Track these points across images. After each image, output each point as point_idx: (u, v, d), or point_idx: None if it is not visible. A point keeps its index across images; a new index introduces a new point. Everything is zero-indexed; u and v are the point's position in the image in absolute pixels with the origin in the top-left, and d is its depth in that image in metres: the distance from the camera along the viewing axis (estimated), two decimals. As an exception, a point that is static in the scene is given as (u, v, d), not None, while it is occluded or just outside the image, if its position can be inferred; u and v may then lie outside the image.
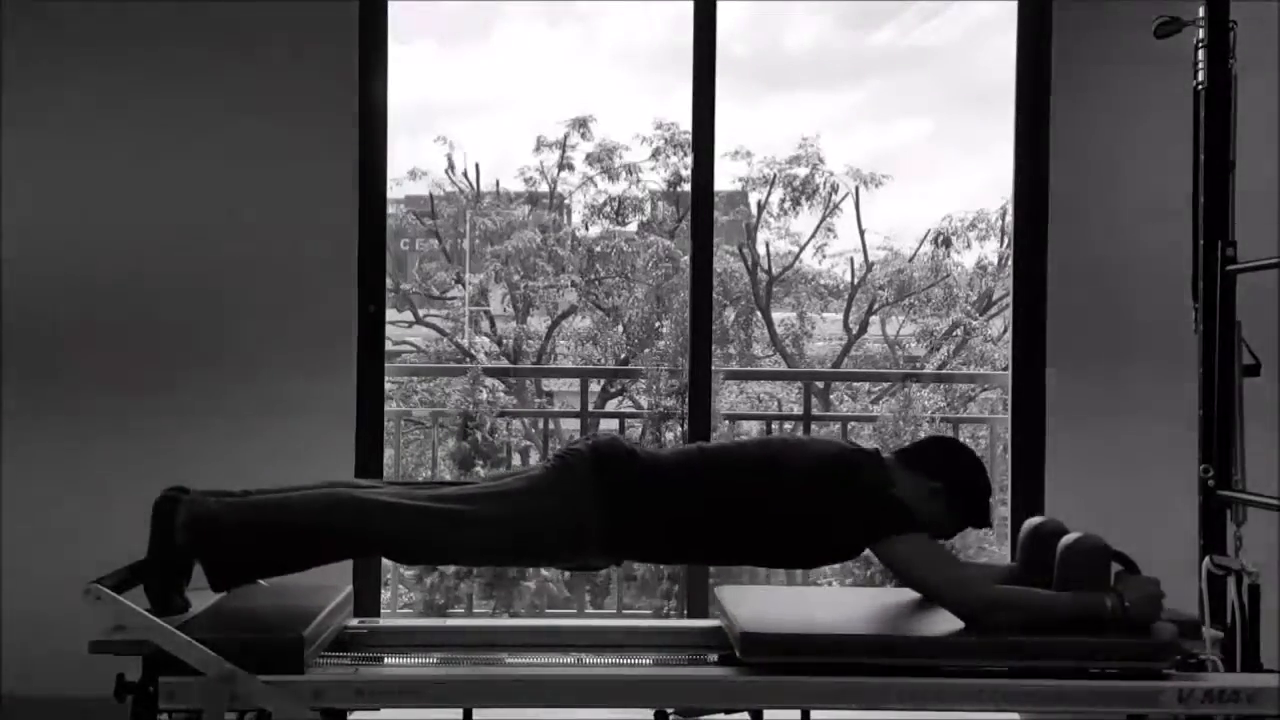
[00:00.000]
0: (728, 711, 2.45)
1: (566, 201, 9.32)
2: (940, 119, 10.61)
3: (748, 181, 9.04)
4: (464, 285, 9.35)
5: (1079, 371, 3.74)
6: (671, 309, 8.33)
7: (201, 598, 2.53)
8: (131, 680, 2.31)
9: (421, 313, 9.47)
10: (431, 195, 9.33)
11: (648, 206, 9.13)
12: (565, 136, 9.05)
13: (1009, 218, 6.59)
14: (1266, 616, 2.66)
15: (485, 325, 9.33)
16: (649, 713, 2.43)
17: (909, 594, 2.74)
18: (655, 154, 8.88)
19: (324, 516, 2.50)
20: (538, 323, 9.18)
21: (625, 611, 5.72)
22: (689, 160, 5.58)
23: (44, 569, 3.43)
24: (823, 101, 11.20)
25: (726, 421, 6.74)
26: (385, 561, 4.53)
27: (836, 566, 6.41)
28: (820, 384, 8.49)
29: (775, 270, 9.13)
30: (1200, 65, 2.88)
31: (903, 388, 6.95)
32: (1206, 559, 2.75)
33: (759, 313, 8.97)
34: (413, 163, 9.13)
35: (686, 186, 7.94)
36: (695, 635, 2.73)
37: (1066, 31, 3.73)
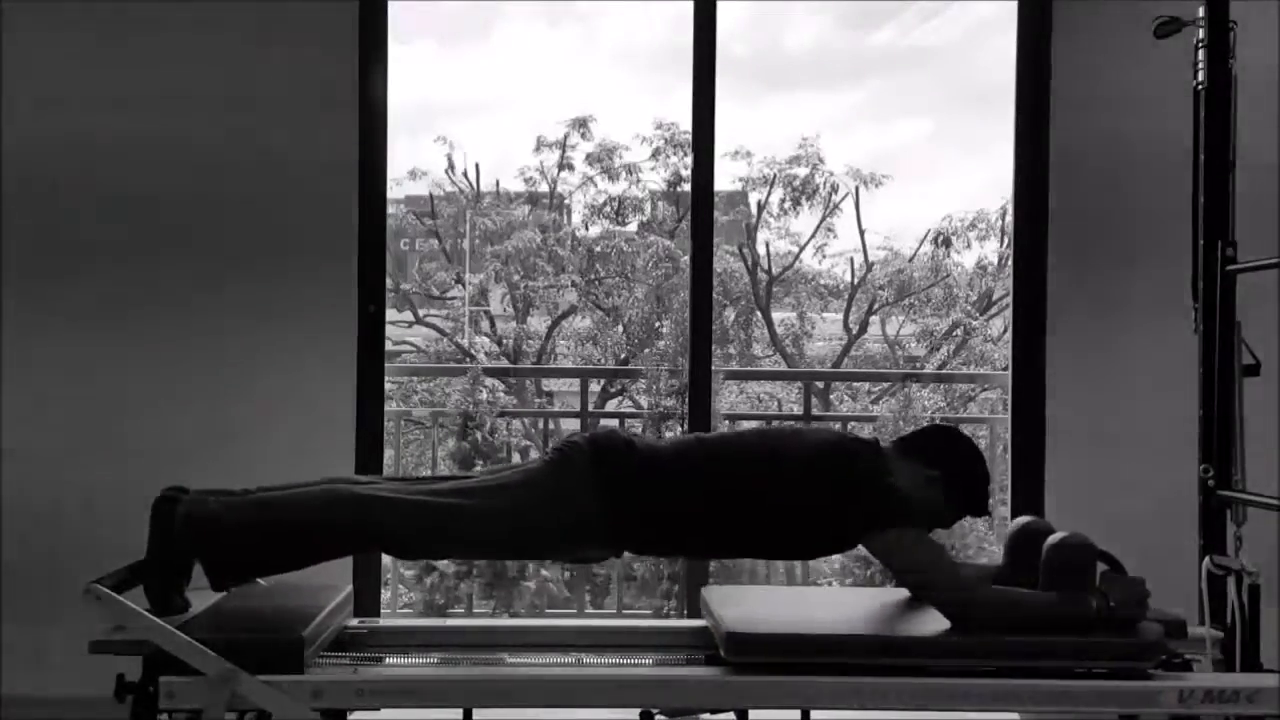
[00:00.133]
0: (713, 711, 2.46)
1: (566, 201, 9.32)
2: (940, 119, 10.62)
3: (748, 181, 9.04)
4: (464, 285, 9.35)
5: (1079, 372, 3.74)
6: (671, 309, 8.33)
7: (201, 598, 2.53)
8: (131, 680, 2.31)
9: (421, 313, 9.47)
10: (431, 195, 9.34)
11: (648, 206, 9.13)
12: (565, 136, 9.06)
13: (1009, 218, 6.59)
14: (1266, 616, 2.67)
15: (485, 325, 9.34)
16: (634, 713, 2.43)
17: (898, 594, 2.75)
18: (655, 154, 8.89)
19: (323, 513, 2.50)
20: (538, 323, 9.18)
21: (625, 611, 5.72)
22: (689, 160, 5.58)
23: (44, 568, 3.43)
24: (823, 101, 11.21)
25: (726, 421, 6.73)
26: (385, 561, 4.54)
27: (836, 566, 6.41)
28: (820, 384, 8.49)
29: (775, 270, 9.14)
30: (1200, 65, 2.88)
31: (903, 388, 6.95)
32: (1206, 559, 2.75)
33: (759, 313, 8.97)
34: (413, 163, 9.15)
35: (686, 186, 7.94)
36: (686, 635, 2.73)
37: (1066, 31, 3.73)
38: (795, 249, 9.19)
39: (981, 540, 5.80)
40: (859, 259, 9.22)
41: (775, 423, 7.33)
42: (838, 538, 2.62)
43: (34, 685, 3.43)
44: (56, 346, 3.64)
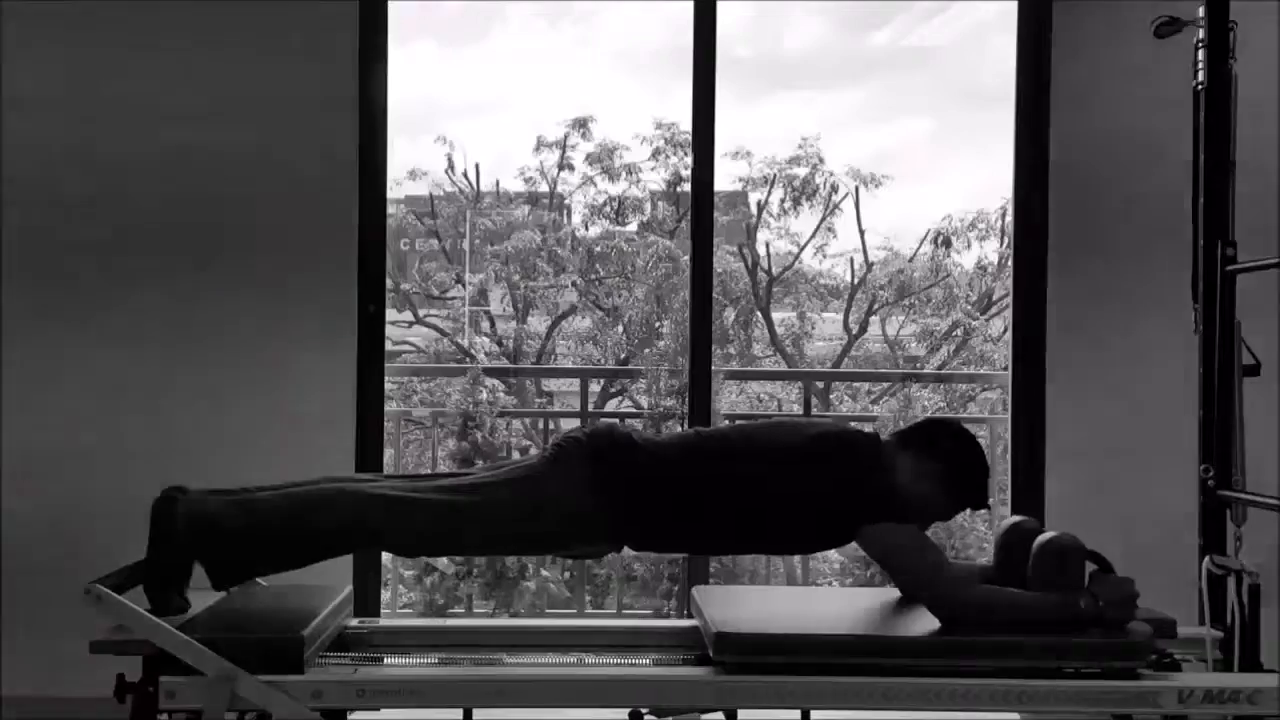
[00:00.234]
0: (702, 711, 2.46)
1: (566, 201, 9.32)
2: (940, 119, 10.61)
3: (748, 181, 9.03)
4: (464, 285, 9.35)
5: (1079, 370, 3.74)
6: (671, 309, 8.32)
7: (201, 598, 2.53)
8: (131, 680, 2.32)
9: (421, 313, 9.47)
10: (431, 195, 9.33)
11: (648, 206, 9.13)
12: (565, 136, 9.05)
13: (1009, 218, 6.59)
14: (1266, 616, 2.67)
15: (485, 325, 9.33)
16: (623, 712, 2.43)
17: (889, 594, 2.75)
18: (655, 154, 8.88)
19: (322, 511, 2.50)
20: (538, 323, 9.18)
21: (625, 612, 5.72)
22: (689, 160, 5.58)
23: (44, 568, 3.43)
24: (823, 101, 11.20)
25: (726, 422, 6.73)
26: (385, 561, 4.54)
27: (836, 567, 6.42)
28: (820, 384, 8.48)
29: (775, 270, 9.13)
30: (1200, 65, 2.88)
31: (903, 388, 6.95)
32: (1206, 559, 2.75)
33: (759, 313, 8.97)
34: (413, 163, 9.14)
35: (686, 186, 7.93)
36: (678, 635, 2.73)
37: (1066, 31, 3.73)
38: (795, 249, 9.19)
39: (982, 540, 5.80)
40: (859, 259, 9.22)
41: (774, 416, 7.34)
42: (836, 530, 2.61)
43: (34, 685, 3.43)
44: (56, 346, 3.64)
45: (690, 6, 3.80)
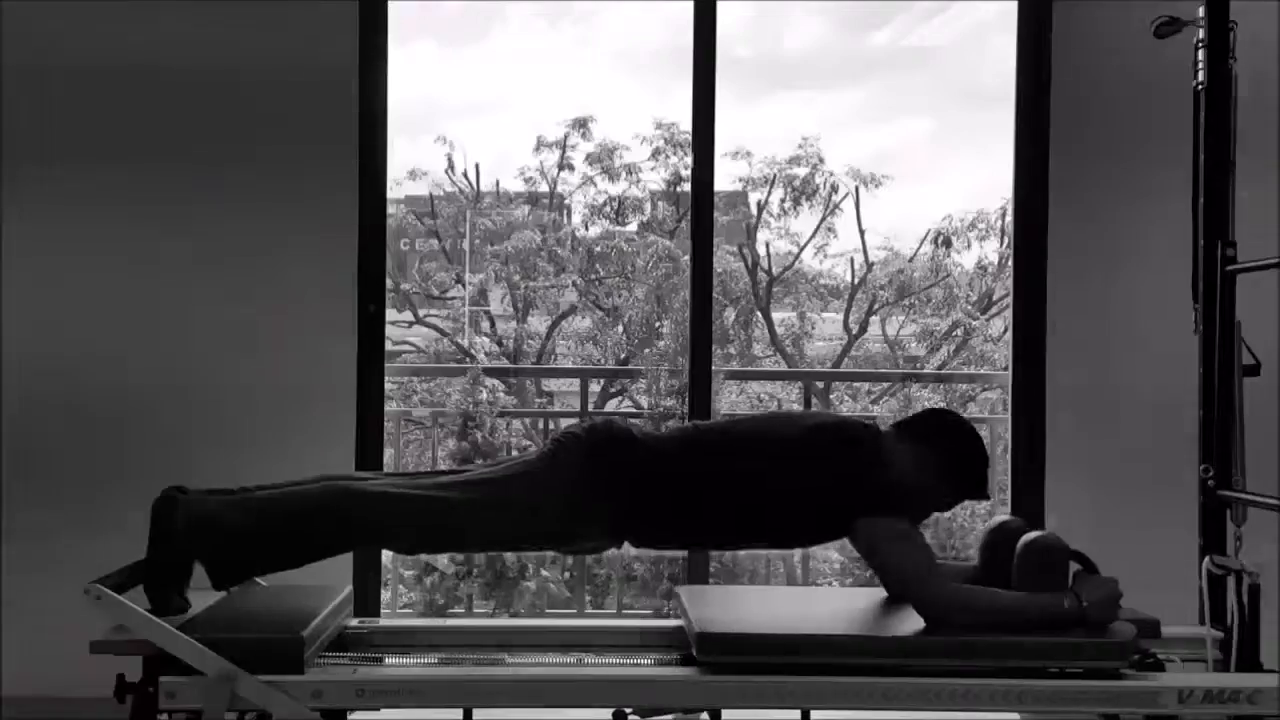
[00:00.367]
0: (687, 711, 2.46)
1: (566, 201, 9.31)
2: (940, 119, 10.59)
3: (748, 181, 9.02)
4: (464, 285, 9.35)
5: (1079, 371, 3.74)
6: (671, 309, 8.32)
7: (201, 598, 2.53)
8: (131, 680, 2.32)
9: (421, 313, 9.46)
10: (431, 195, 9.32)
11: (648, 206, 9.12)
12: (565, 136, 9.04)
13: (1009, 218, 6.59)
14: (1266, 616, 2.67)
15: (485, 325, 9.33)
16: (606, 713, 2.43)
17: (874, 594, 2.75)
18: (655, 154, 8.87)
19: (322, 510, 2.50)
20: (538, 323, 9.17)
21: (625, 611, 5.72)
22: (689, 160, 5.58)
23: (44, 569, 3.43)
24: (823, 101, 11.18)
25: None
26: (385, 561, 4.54)
27: (836, 567, 6.42)
28: (820, 384, 8.47)
29: (775, 270, 9.12)
30: (1200, 65, 2.88)
31: (903, 388, 6.96)
32: (1206, 559, 2.75)
33: (759, 313, 8.96)
34: (413, 163, 9.12)
35: (686, 186, 7.93)
36: (665, 635, 2.73)
37: (1066, 31, 3.73)
38: (795, 249, 9.18)
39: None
40: (859, 259, 9.21)
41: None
42: (837, 523, 2.60)
43: (34, 685, 3.43)
44: (56, 345, 3.64)
45: (690, 6, 3.81)
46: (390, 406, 4.56)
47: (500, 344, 9.13)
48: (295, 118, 3.67)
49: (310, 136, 3.67)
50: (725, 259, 8.57)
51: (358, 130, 3.68)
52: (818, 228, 9.08)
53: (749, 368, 8.85)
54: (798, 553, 6.09)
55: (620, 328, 8.79)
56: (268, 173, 3.67)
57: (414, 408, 7.93)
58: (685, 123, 4.94)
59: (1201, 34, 2.88)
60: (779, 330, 9.03)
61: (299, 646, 2.33)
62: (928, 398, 7.57)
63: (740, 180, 9.01)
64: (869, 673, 2.37)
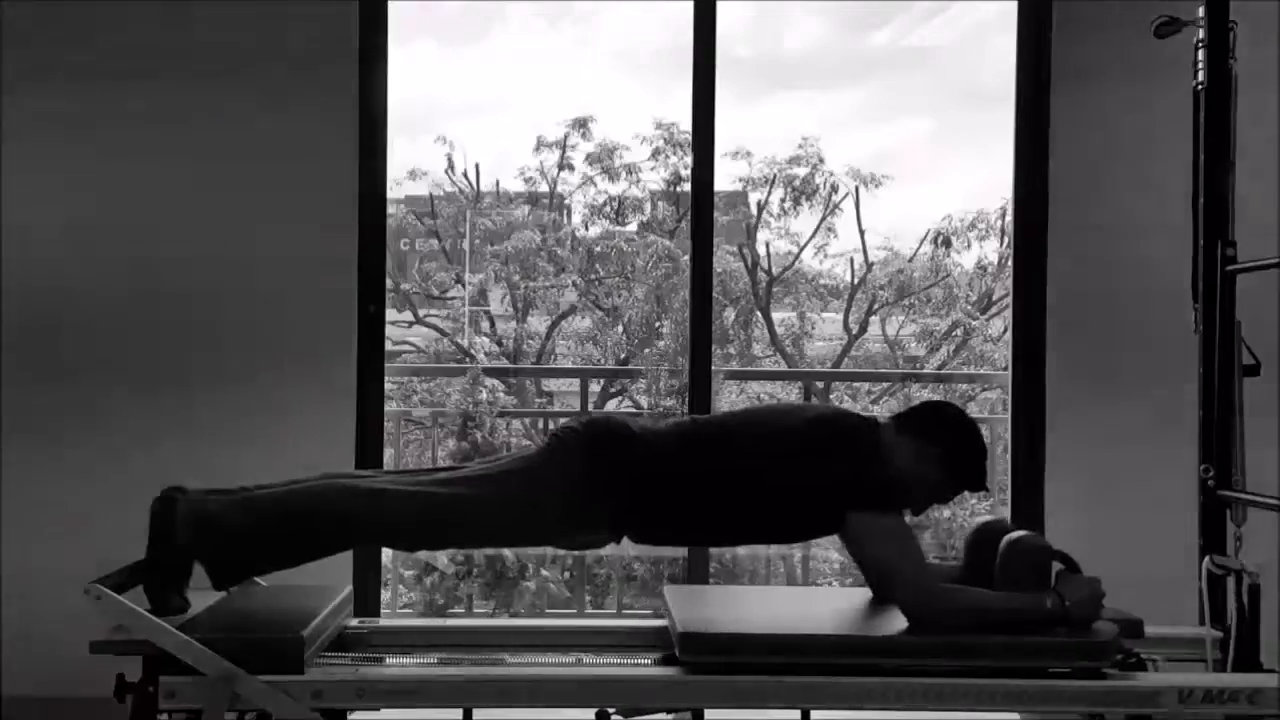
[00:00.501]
0: (670, 711, 2.45)
1: (566, 201, 9.30)
2: (940, 119, 10.58)
3: (748, 181, 9.02)
4: (464, 285, 9.34)
5: (1079, 371, 3.74)
6: (671, 309, 8.31)
7: (201, 598, 2.53)
8: (131, 680, 2.32)
9: (421, 313, 9.46)
10: (431, 195, 9.32)
11: (648, 206, 9.12)
12: (565, 136, 9.04)
13: (1009, 218, 6.59)
14: (1266, 616, 2.67)
15: (485, 325, 9.32)
16: (589, 713, 2.43)
17: (858, 595, 2.75)
18: (655, 154, 8.87)
19: (322, 508, 2.51)
20: (538, 323, 9.17)
21: (625, 611, 5.72)
22: (689, 160, 5.58)
23: (44, 569, 3.43)
24: (823, 101, 11.17)
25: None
26: (385, 561, 4.54)
27: (836, 567, 6.42)
28: (820, 384, 8.48)
29: (775, 270, 9.12)
30: (1200, 65, 2.88)
31: (903, 388, 6.95)
32: (1206, 559, 2.75)
33: (759, 313, 8.96)
34: (413, 163, 9.11)
35: (686, 186, 7.93)
36: (650, 635, 2.73)
37: (1066, 31, 3.73)
38: (795, 249, 9.17)
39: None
40: (859, 259, 9.21)
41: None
42: (835, 517, 2.58)
43: (34, 685, 3.43)
44: (56, 350, 3.64)
45: (690, 6, 3.81)
46: (390, 406, 4.56)
47: (500, 344, 9.13)
48: (295, 117, 3.67)
49: (310, 136, 3.67)
50: (725, 259, 8.56)
51: (358, 130, 3.68)
52: (818, 228, 9.07)
53: (749, 368, 8.85)
54: (798, 553, 6.09)
55: (620, 328, 8.78)
56: (267, 172, 3.67)
57: (414, 408, 7.93)
58: (685, 123, 4.94)
59: (1201, 34, 2.88)
60: (779, 330, 9.02)
61: (299, 646, 2.33)
62: (928, 398, 7.56)
63: (740, 180, 9.01)
64: (852, 672, 2.38)
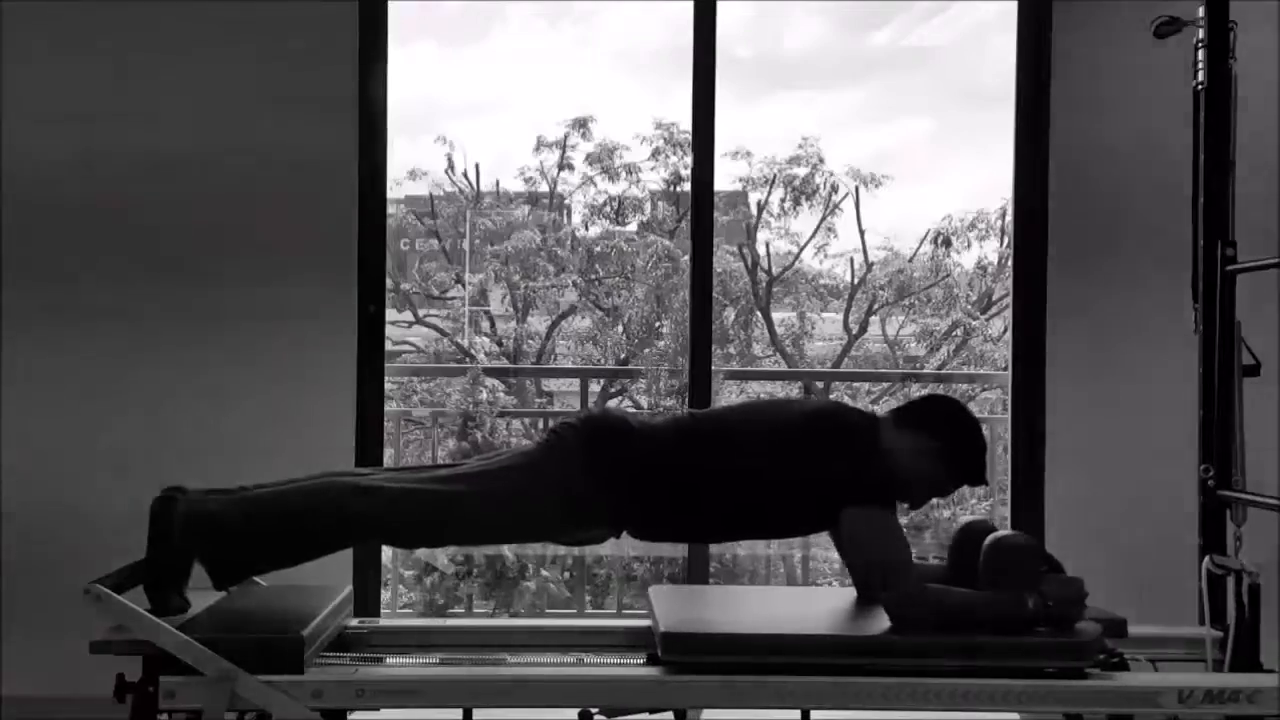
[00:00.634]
0: (652, 711, 2.45)
1: (566, 201, 9.30)
2: (940, 119, 10.58)
3: (748, 181, 9.02)
4: (464, 285, 9.34)
5: (1079, 372, 3.74)
6: (671, 309, 8.31)
7: (201, 598, 2.53)
8: (131, 680, 2.32)
9: (421, 313, 9.45)
10: (431, 195, 9.32)
11: (648, 206, 9.11)
12: (565, 136, 9.03)
13: (1009, 218, 6.59)
14: (1266, 616, 2.67)
15: (485, 325, 9.32)
16: (572, 712, 2.43)
17: (842, 594, 2.76)
18: (655, 154, 8.87)
19: (321, 506, 2.51)
20: (538, 323, 9.17)
21: (625, 611, 5.72)
22: (689, 160, 5.58)
23: (44, 568, 3.43)
24: (823, 101, 11.16)
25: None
26: (385, 561, 4.54)
27: (836, 567, 6.41)
28: (820, 384, 8.48)
29: (775, 270, 9.12)
30: (1200, 65, 2.88)
31: (903, 388, 6.95)
32: (1206, 559, 2.75)
33: (759, 313, 8.96)
34: (413, 163, 9.11)
35: (686, 186, 7.93)
36: (637, 635, 2.73)
37: (1066, 31, 3.73)
38: (795, 249, 9.17)
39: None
40: (859, 259, 9.20)
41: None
42: (834, 512, 2.57)
43: (34, 685, 3.43)
44: (56, 346, 3.64)
45: (690, 6, 3.81)
46: (390, 406, 4.57)
47: (500, 344, 9.13)
48: (295, 118, 3.67)
49: (310, 137, 3.67)
50: (725, 259, 8.56)
51: (358, 130, 3.68)
52: (818, 228, 9.07)
53: (749, 368, 8.85)
54: (797, 553, 6.09)
55: (620, 328, 8.78)
56: (267, 172, 3.67)
57: (414, 408, 7.93)
58: (685, 123, 4.95)
59: (1201, 34, 2.88)
60: (779, 330, 9.02)
61: (299, 646, 2.33)
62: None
63: (740, 180, 9.00)
64: (833, 672, 2.37)
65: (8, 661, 3.47)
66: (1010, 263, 4.34)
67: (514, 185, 9.43)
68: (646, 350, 8.36)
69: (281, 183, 3.68)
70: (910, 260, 9.09)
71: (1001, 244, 8.81)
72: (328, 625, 2.56)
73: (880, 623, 2.48)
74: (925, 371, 8.61)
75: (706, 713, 2.54)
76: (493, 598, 5.82)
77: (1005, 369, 4.48)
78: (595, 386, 8.52)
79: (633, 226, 9.06)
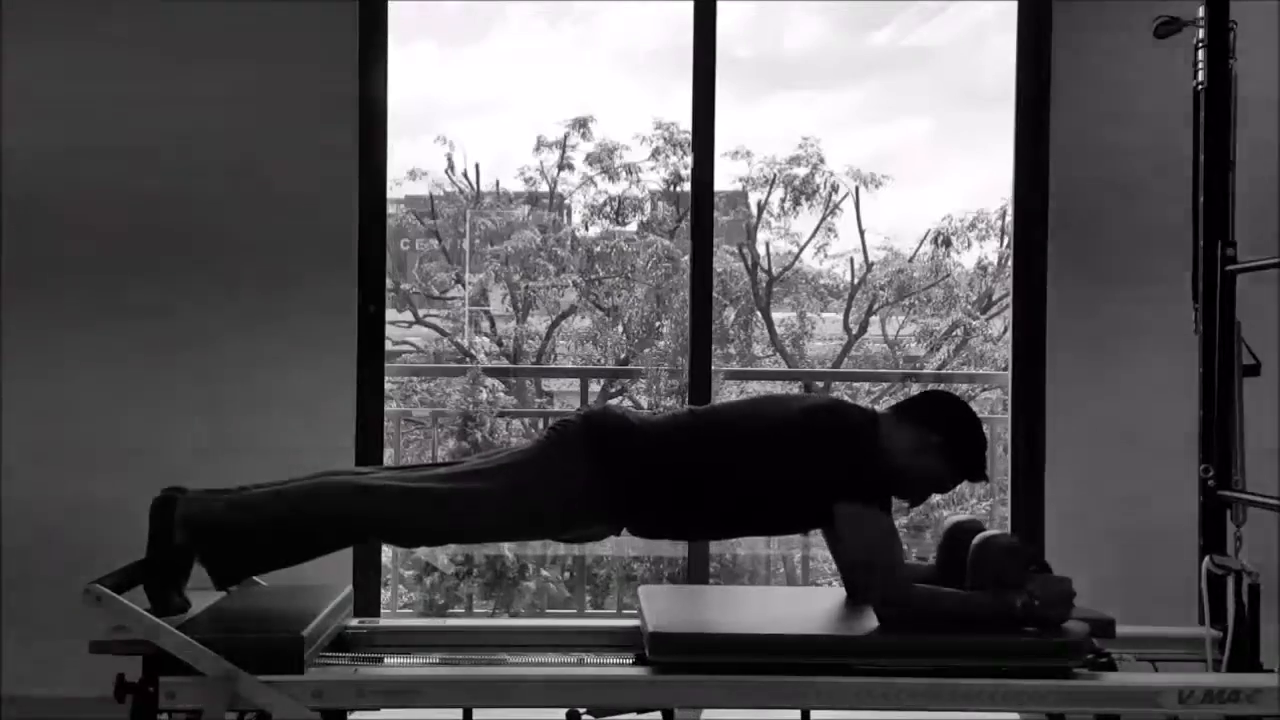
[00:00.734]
0: (639, 711, 2.45)
1: (566, 201, 9.30)
2: (940, 119, 10.58)
3: (748, 181, 9.02)
4: (464, 285, 9.34)
5: (1079, 372, 3.74)
6: (671, 309, 8.31)
7: (201, 598, 2.54)
8: (131, 680, 2.32)
9: (421, 313, 9.46)
10: (431, 195, 9.32)
11: (648, 206, 9.11)
12: (565, 136, 9.03)
13: (1009, 218, 6.59)
14: (1266, 616, 2.66)
15: (485, 325, 9.32)
16: (560, 712, 2.43)
17: (831, 594, 2.77)
18: (655, 154, 8.87)
19: (321, 505, 2.51)
20: (538, 323, 9.17)
21: (625, 611, 5.72)
22: (689, 160, 5.58)
23: (44, 569, 3.44)
24: (823, 101, 11.17)
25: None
26: (385, 561, 4.54)
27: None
28: (820, 384, 8.48)
29: (775, 270, 9.12)
30: (1200, 65, 2.88)
31: (903, 388, 6.95)
32: (1206, 559, 2.75)
33: (759, 313, 8.96)
34: (413, 163, 9.11)
35: (686, 186, 7.93)
36: (624, 635, 2.73)
37: (1066, 31, 3.73)
38: (795, 249, 9.17)
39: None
40: (859, 259, 9.21)
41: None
42: (829, 506, 2.55)
43: (34, 685, 3.43)
44: (57, 346, 3.64)
45: (690, 6, 3.81)
46: (390, 406, 4.56)
47: (500, 344, 9.13)
48: (295, 118, 3.67)
49: (310, 136, 3.67)
50: (725, 259, 8.57)
51: (358, 130, 3.68)
52: (818, 228, 9.07)
53: (749, 368, 8.85)
54: (797, 553, 6.10)
55: (620, 328, 8.78)
56: (267, 172, 3.67)
57: (414, 408, 7.93)
58: (685, 123, 4.95)
59: (1201, 34, 2.88)
60: (779, 330, 9.02)
61: (299, 646, 2.33)
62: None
63: (740, 180, 9.00)
64: (820, 672, 2.37)
65: (8, 661, 3.47)
66: (1010, 263, 4.34)
67: (514, 185, 9.43)
68: (646, 350, 8.36)
69: (282, 183, 3.67)
70: (910, 260, 9.09)
71: (1001, 244, 8.81)
72: (328, 625, 2.56)
73: (868, 622, 2.48)
74: (925, 371, 8.61)
75: (706, 713, 2.54)
76: (493, 598, 5.82)
77: (1005, 369, 4.48)
78: (595, 386, 8.52)
79: (633, 226, 9.06)
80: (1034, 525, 3.73)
